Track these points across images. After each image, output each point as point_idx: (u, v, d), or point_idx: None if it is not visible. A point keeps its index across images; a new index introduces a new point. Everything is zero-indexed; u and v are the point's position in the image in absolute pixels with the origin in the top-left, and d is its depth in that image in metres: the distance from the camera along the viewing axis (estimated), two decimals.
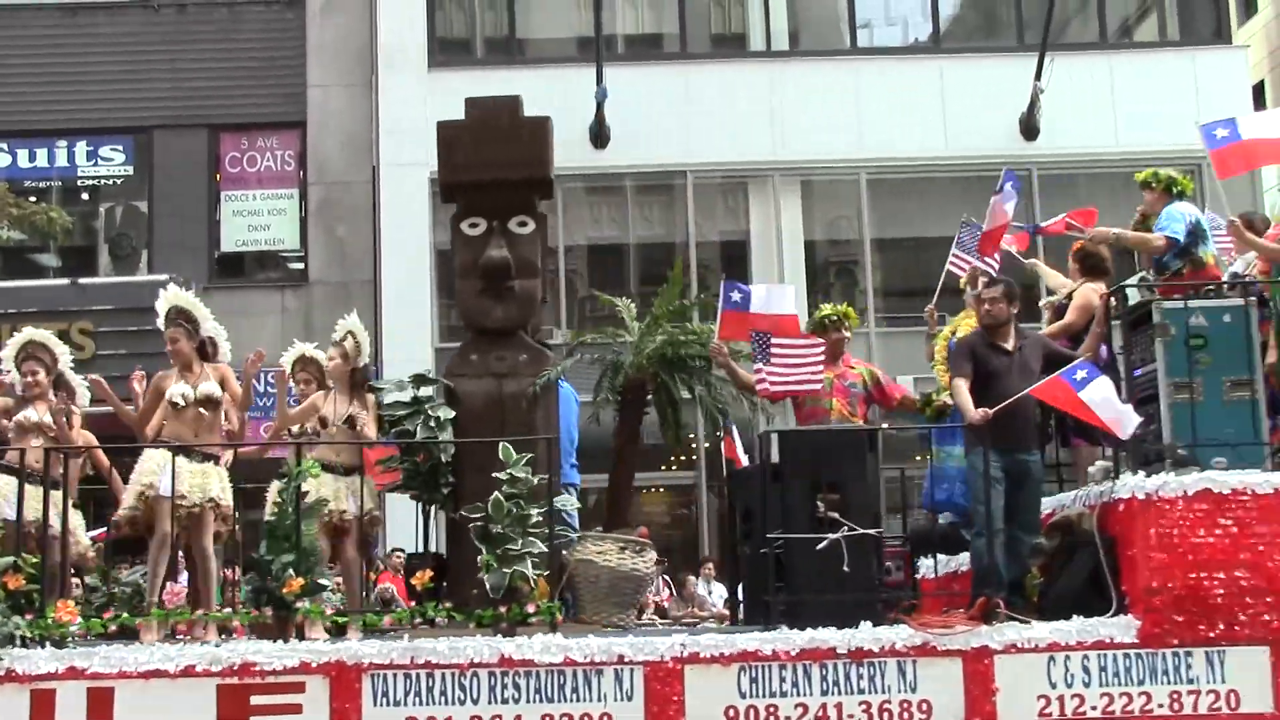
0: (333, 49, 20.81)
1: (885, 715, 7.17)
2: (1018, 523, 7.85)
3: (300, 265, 20.56)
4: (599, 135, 19.66)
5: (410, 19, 20.53)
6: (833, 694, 7.19)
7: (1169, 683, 7.22)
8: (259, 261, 21.11)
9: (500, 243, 8.53)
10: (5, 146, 20.39)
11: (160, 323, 8.38)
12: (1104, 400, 7.40)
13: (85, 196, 20.95)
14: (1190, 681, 7.22)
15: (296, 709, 7.14)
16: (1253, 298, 7.71)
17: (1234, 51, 21.05)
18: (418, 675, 7.18)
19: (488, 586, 7.25)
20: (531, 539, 7.29)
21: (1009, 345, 7.96)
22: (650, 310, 8.89)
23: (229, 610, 7.79)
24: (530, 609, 7.27)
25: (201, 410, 8.13)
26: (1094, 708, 7.20)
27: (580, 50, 20.57)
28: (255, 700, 7.14)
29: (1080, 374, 7.43)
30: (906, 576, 9.03)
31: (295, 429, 8.69)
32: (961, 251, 9.22)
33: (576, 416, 9.28)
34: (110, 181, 20.86)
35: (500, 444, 7.52)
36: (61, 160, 20.64)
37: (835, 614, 7.33)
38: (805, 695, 7.19)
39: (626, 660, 7.21)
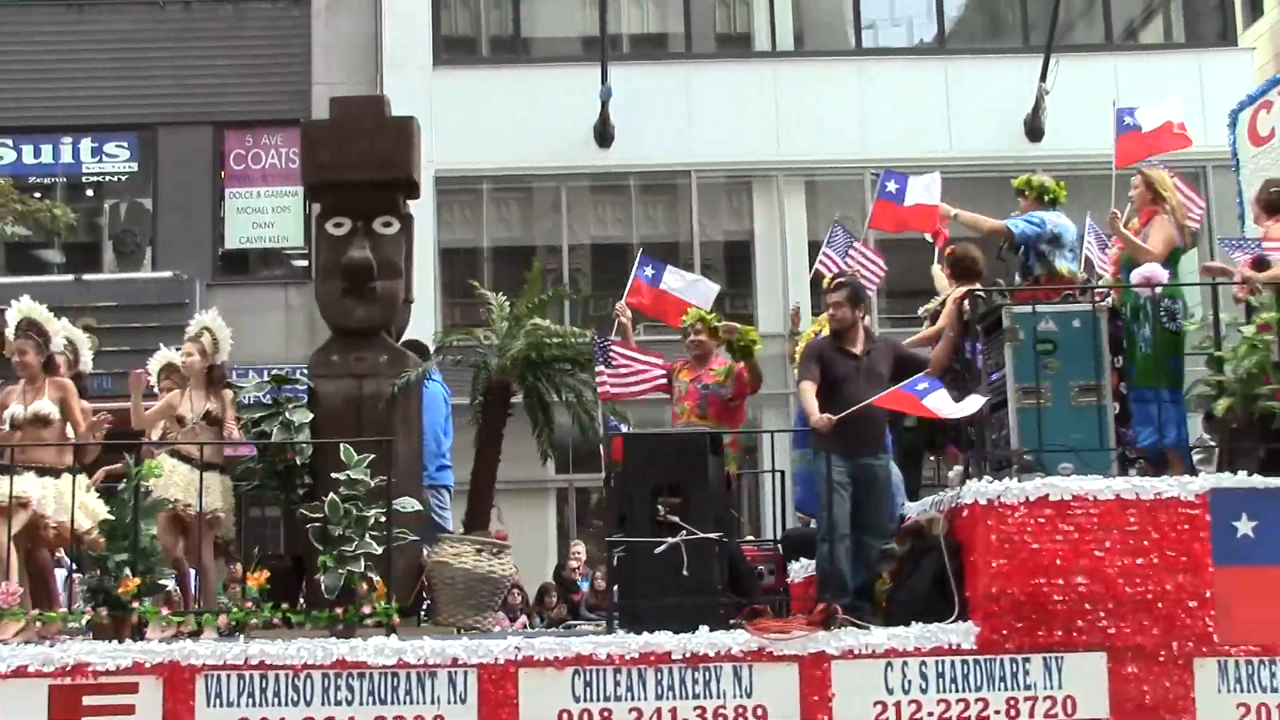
0: (337, 46, 20.68)
1: (720, 719, 7.10)
2: (865, 527, 7.76)
3: (304, 263, 20.11)
4: (603, 134, 19.60)
5: (415, 17, 20.46)
6: (667, 698, 7.09)
7: (1006, 689, 7.12)
8: (263, 259, 20.92)
9: (363, 243, 8.44)
10: (10, 143, 20.27)
11: (10, 333, 8.21)
12: (952, 404, 7.33)
13: (89, 193, 20.86)
14: (1028, 687, 7.12)
15: (129, 710, 7.04)
16: (1104, 304, 7.62)
17: (1240, 53, 20.88)
18: (251, 676, 7.08)
19: (323, 587, 7.17)
20: (367, 541, 7.20)
21: (857, 349, 7.86)
22: (512, 311, 8.78)
23: (64, 611, 7.65)
24: (366, 610, 7.19)
25: (37, 429, 7.94)
26: (930, 714, 7.10)
27: (585, 49, 20.47)
28: (88, 701, 7.04)
29: (921, 385, 7.35)
30: (779, 580, 8.95)
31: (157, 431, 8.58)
32: (831, 251, 9.09)
33: (447, 417, 9.19)
34: (114, 178, 20.74)
35: (341, 445, 7.43)
36: (66, 156, 20.53)
37: (676, 618, 7.24)
38: (640, 699, 7.09)
39: (460, 663, 7.11)
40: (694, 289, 9.80)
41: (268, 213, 20.60)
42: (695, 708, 7.08)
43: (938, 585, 7.43)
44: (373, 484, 7.29)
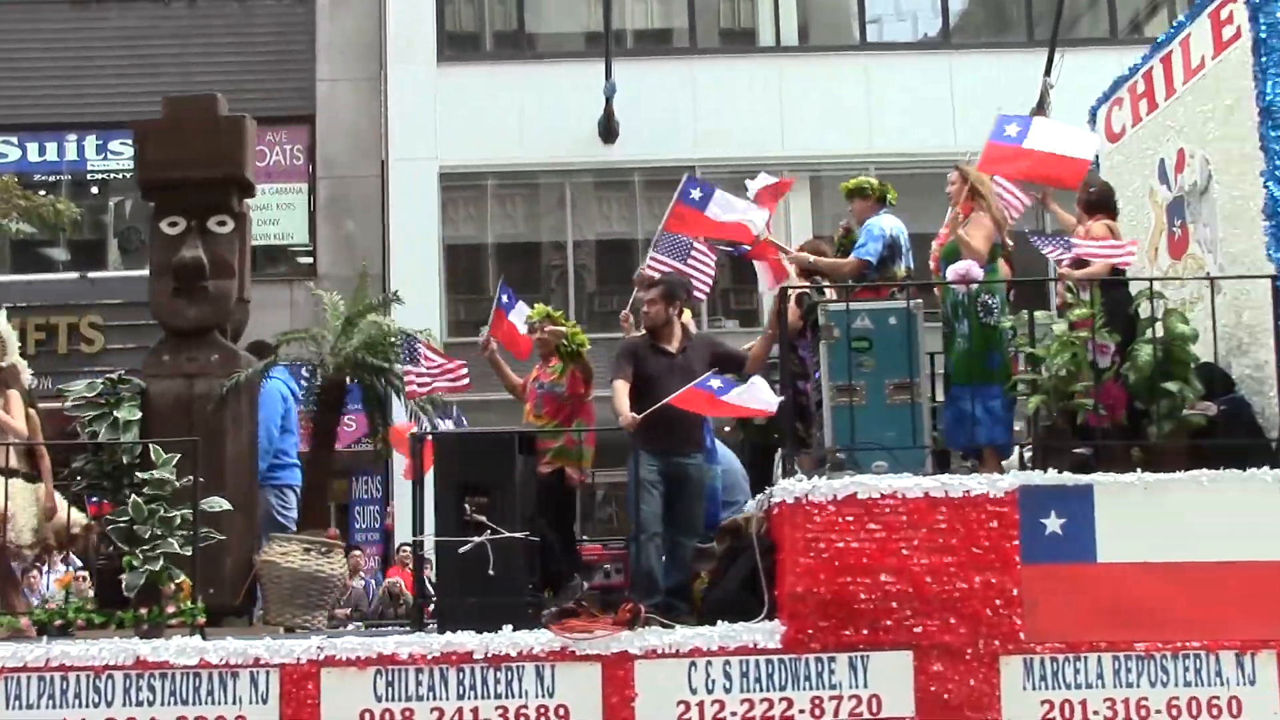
0: (342, 43, 20.74)
1: (522, 718, 6.97)
2: (679, 527, 7.64)
3: (309, 259, 20.38)
4: (608, 130, 19.59)
5: (419, 13, 20.50)
6: (469, 698, 6.96)
7: (811, 688, 6.98)
8: (268, 255, 20.49)
9: (195, 243, 8.32)
10: (14, 140, 20.35)
11: None
12: (747, 397, 7.21)
13: (94, 190, 20.85)
14: (833, 687, 6.98)
15: None
16: (918, 301, 7.48)
17: None
18: (52, 678, 6.93)
19: (124, 587, 7.04)
20: (168, 541, 7.06)
21: (672, 347, 7.73)
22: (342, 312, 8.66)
23: None
24: (170, 610, 7.06)
25: None
26: (734, 714, 6.95)
27: (589, 45, 20.50)
28: None
29: (715, 383, 7.21)
30: (626, 579, 8.81)
31: None
32: (662, 254, 8.87)
33: (285, 414, 9.02)
34: (119, 175, 20.45)
35: (151, 446, 7.30)
36: (71, 154, 20.55)
37: (483, 617, 7.11)
38: (442, 699, 6.96)
39: (262, 663, 6.97)
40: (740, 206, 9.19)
41: (273, 209, 20.41)
42: (497, 707, 6.95)
43: (749, 584, 7.30)
44: (178, 484, 7.14)
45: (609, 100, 18.94)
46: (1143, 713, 6.97)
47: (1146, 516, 7.07)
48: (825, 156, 19.96)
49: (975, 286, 7.52)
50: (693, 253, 8.92)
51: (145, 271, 19.27)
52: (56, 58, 20.33)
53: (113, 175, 20.68)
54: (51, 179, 20.36)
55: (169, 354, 8.33)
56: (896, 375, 7.39)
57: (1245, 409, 7.57)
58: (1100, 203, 8.01)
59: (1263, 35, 7.42)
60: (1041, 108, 18.69)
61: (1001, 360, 7.58)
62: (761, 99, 20.10)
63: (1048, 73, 18.50)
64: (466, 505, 7.18)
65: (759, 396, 7.22)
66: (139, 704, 6.92)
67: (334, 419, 8.48)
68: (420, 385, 7.75)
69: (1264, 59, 7.42)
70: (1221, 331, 7.89)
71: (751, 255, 9.18)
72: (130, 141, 18.93)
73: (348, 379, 8.46)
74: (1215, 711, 6.97)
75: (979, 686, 6.97)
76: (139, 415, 8.09)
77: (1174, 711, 6.97)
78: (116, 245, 20.81)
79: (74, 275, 19.22)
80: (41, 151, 20.55)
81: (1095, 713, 6.97)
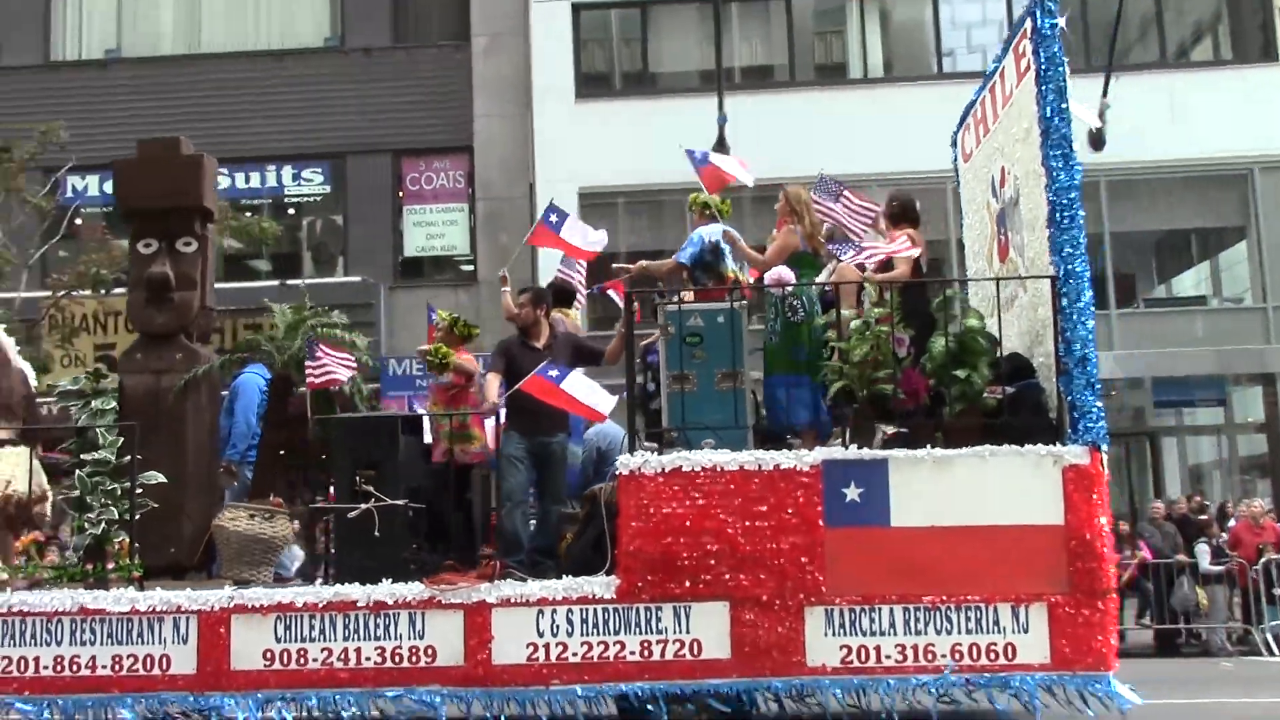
0: (495, 84, 23.29)
1: (397, 658, 7.88)
2: (546, 496, 8.55)
3: (470, 267, 22.92)
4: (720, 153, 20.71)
5: (560, 58, 22.97)
6: (353, 640, 7.93)
7: (641, 633, 7.79)
8: (436, 265, 23.51)
9: (164, 261, 9.40)
10: (226, 171, 21.92)
11: None
12: (583, 389, 8.07)
13: (291, 211, 23.43)
14: (660, 632, 7.77)
15: None
16: (742, 302, 8.29)
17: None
18: (12, 622, 8.05)
19: (72, 547, 8.15)
20: (110, 509, 8.16)
21: (539, 344, 8.65)
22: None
23: None
24: (111, 566, 8.15)
25: None
26: (575, 654, 7.78)
27: (703, 81, 22.26)
28: None
29: (553, 372, 8.08)
30: None
31: None
32: (565, 268, 9.81)
33: (260, 403, 9.97)
34: (311, 198, 23.54)
35: (98, 431, 8.41)
36: (271, 181, 23.30)
37: (370, 572, 8.07)
38: (330, 641, 7.93)
39: (184, 610, 8.00)
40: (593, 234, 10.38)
41: (439, 225, 23.29)
42: (376, 648, 7.90)
43: (598, 544, 8.19)
44: (116, 462, 8.23)
45: (721, 128, 20.13)
46: (929, 656, 7.68)
47: (935, 486, 7.78)
48: (909, 173, 20.73)
49: (787, 290, 8.33)
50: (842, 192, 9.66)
51: (332, 279, 22.15)
52: (259, 101, 23.07)
53: (305, 199, 23.45)
54: (255, 202, 22.87)
55: (140, 353, 9.42)
56: (724, 365, 8.21)
57: (1033, 393, 8.26)
58: (901, 213, 8.77)
59: (1042, 66, 8.10)
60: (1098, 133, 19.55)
61: (807, 353, 8.36)
62: (852, 123, 21.52)
63: (1104, 94, 19.03)
64: (357, 477, 8.16)
65: (587, 390, 8.08)
66: (83, 644, 8.00)
67: (281, 406, 9.46)
68: (316, 378, 8.75)
69: (1043, 86, 8.10)
70: (1027, 326, 8.63)
71: (605, 288, 10.20)
72: (318, 170, 22.96)
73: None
74: (993, 656, 7.67)
75: (786, 633, 7.71)
76: (114, 404, 9.19)
77: (957, 655, 7.66)
78: (310, 257, 23.48)
79: (275, 283, 20.90)
80: (247, 179, 23.08)
81: (888, 656, 7.68)
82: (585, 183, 21.57)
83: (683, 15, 23.68)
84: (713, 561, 7.79)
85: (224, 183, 22.08)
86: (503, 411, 8.46)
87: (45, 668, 8.00)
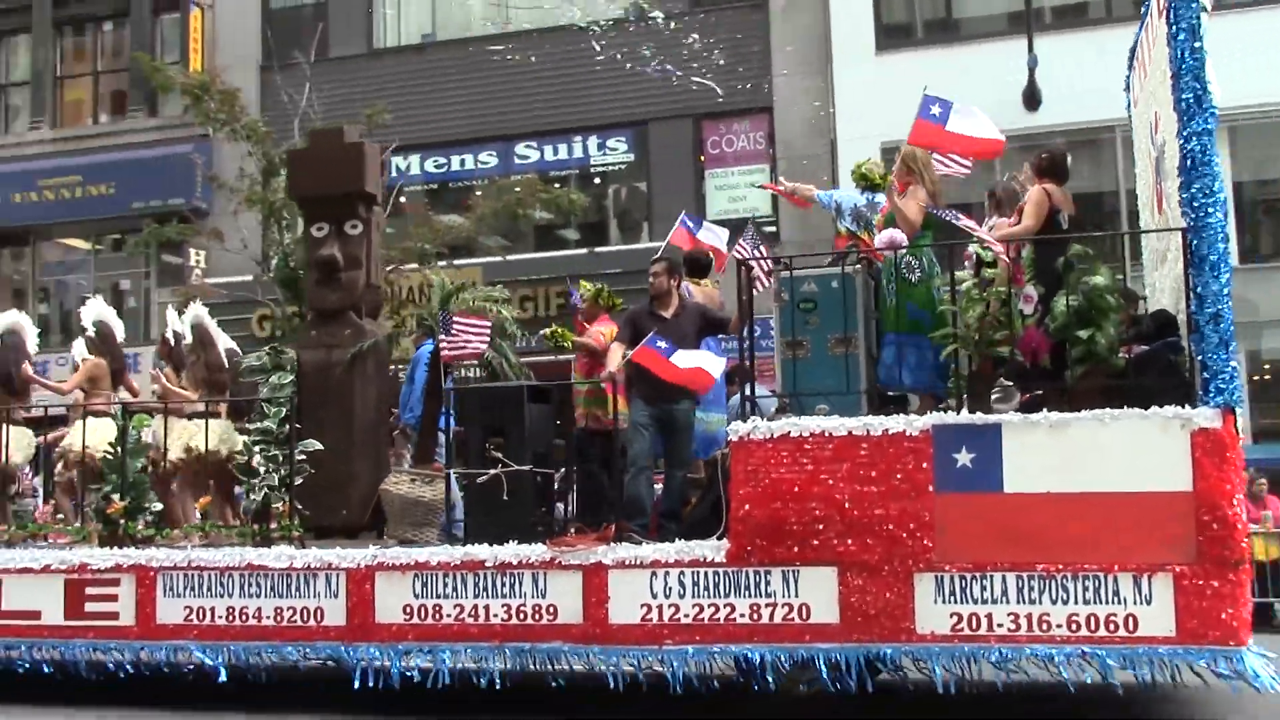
0: (793, 43, 22.78)
1: (521, 615, 8.13)
2: (671, 461, 8.58)
3: (774, 229, 22.28)
4: (1031, 98, 20.45)
5: (859, 11, 22.14)
6: (482, 597, 8.22)
7: (750, 596, 7.75)
8: (737, 229, 22.92)
9: (333, 243, 9.93)
10: (535, 144, 23.66)
11: None
12: (691, 358, 8.03)
13: (596, 181, 23.90)
14: (769, 595, 7.72)
15: (114, 598, 8.93)
16: (856, 266, 8.06)
17: None
18: (192, 575, 8.77)
19: (241, 508, 8.77)
20: (272, 474, 8.74)
21: (668, 314, 8.65)
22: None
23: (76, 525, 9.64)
24: (273, 526, 8.74)
25: None
26: (686, 615, 7.83)
27: (1011, 24, 21.49)
28: (89, 590, 9.00)
29: (661, 344, 8.06)
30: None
31: None
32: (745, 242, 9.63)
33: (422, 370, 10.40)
34: (616, 167, 23.69)
35: (260, 403, 9.00)
36: (578, 152, 23.62)
37: (505, 534, 8.34)
38: (462, 598, 8.26)
39: (335, 567, 8.51)
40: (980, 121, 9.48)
41: (740, 188, 22.74)
42: (503, 605, 8.17)
43: (716, 508, 8.18)
44: (274, 430, 8.81)
45: (1031, 72, 19.71)
46: (1044, 626, 7.31)
47: (1050, 450, 7.37)
48: (1244, 106, 19.74)
49: (901, 251, 8.03)
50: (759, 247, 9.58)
51: (639, 245, 22.12)
52: (566, 74, 23.35)
53: (611, 168, 23.74)
54: (563, 174, 23.44)
55: (314, 329, 9.99)
56: (838, 331, 8.03)
57: (1166, 353, 7.69)
58: (1043, 169, 8.26)
59: (1172, 2, 7.50)
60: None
61: (928, 314, 8.03)
62: None
63: None
64: (487, 445, 8.44)
65: (701, 361, 8.04)
66: (250, 596, 8.65)
67: (437, 377, 9.85)
68: (450, 351, 9.02)
69: (1173, 26, 7.49)
70: (1174, 282, 8.03)
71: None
72: (622, 139, 23.17)
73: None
74: (1113, 627, 7.23)
75: (895, 599, 7.52)
76: (291, 378, 9.82)
77: (1074, 626, 7.27)
78: (616, 225, 23.75)
79: (583, 251, 21.87)
80: (555, 152, 23.55)
81: (999, 625, 7.36)
82: (888, 138, 19.62)
83: None
84: (820, 526, 7.66)
85: (533, 156, 23.49)
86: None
87: (220, 617, 8.69)
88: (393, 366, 10.32)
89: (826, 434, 7.71)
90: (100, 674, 9.03)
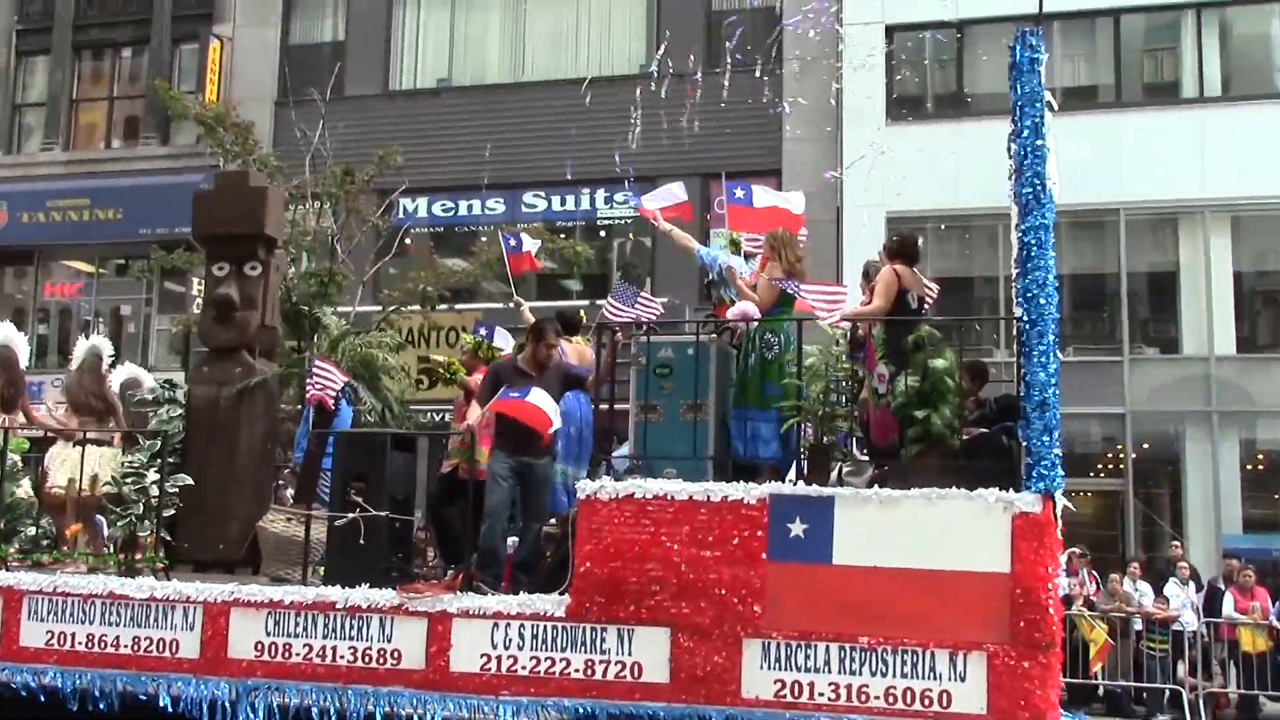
0: (804, 108, 22.50)
1: (367, 658, 8.24)
2: (526, 513, 8.74)
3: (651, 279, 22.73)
4: None
5: (871, 81, 22.50)
6: (330, 639, 8.34)
7: (586, 652, 7.87)
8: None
9: (231, 283, 10.12)
10: (543, 193, 24.06)
11: None
12: (539, 397, 8.21)
13: (601, 234, 24.32)
14: (603, 652, 7.83)
15: None
16: (713, 335, 8.26)
17: None
18: (56, 601, 8.86)
19: (106, 537, 8.90)
20: (138, 505, 8.88)
21: (533, 373, 8.84)
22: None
23: None
24: (137, 556, 8.87)
25: None
26: (524, 667, 7.94)
27: None
28: None
29: (514, 394, 8.25)
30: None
31: None
32: (617, 300, 9.86)
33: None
34: (622, 221, 23.89)
35: (138, 435, 9.16)
36: (585, 204, 23.97)
37: (358, 576, 8.46)
38: (311, 638, 8.38)
39: (192, 600, 8.61)
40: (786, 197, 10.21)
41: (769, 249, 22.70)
42: (349, 647, 8.29)
43: (565, 563, 8.31)
44: (144, 462, 8.95)
45: None
46: (863, 698, 7.45)
47: (879, 526, 7.54)
48: (1246, 198, 20.70)
49: (755, 325, 8.23)
50: (639, 300, 9.84)
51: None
52: (576, 127, 23.45)
53: (616, 221, 24.05)
54: (570, 225, 23.78)
55: (206, 366, 10.18)
56: (689, 397, 8.21)
57: (998, 436, 7.89)
58: (894, 251, 8.50)
59: (1018, 101, 7.78)
60: None
61: (779, 390, 8.22)
62: (1183, 146, 20.83)
63: None
64: (347, 488, 8.58)
65: (545, 404, 8.22)
66: (110, 624, 8.75)
67: (327, 421, 9.98)
68: (314, 391, 9.20)
69: (1017, 123, 7.79)
70: None
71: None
72: (629, 193, 22.33)
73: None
74: (928, 702, 7.37)
75: (723, 663, 7.64)
76: (180, 411, 9.97)
77: (890, 699, 7.41)
78: (619, 277, 23.50)
79: (585, 303, 21.23)
80: (562, 203, 23.96)
81: (821, 694, 7.50)
82: (894, 207, 20.95)
83: (1001, 35, 22.27)
84: (656, 588, 7.80)
85: (540, 205, 23.79)
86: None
87: (80, 643, 8.78)
88: (284, 407, 10.48)
89: (669, 497, 7.87)
90: None
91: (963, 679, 7.33)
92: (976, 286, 22.14)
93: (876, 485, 7.84)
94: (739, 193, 8.95)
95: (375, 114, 24.82)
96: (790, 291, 8.05)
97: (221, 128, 19.82)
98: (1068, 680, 15.35)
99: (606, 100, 23.45)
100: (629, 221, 23.52)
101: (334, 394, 9.26)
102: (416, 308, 19.86)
